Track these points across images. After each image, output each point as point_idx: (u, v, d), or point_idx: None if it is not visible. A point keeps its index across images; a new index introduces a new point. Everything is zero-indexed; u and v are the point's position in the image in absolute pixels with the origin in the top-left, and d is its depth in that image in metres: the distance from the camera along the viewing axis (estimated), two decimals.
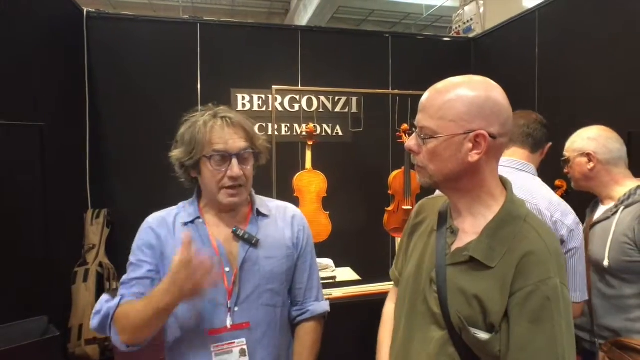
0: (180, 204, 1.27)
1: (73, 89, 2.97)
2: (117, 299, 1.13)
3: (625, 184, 1.62)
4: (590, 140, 1.65)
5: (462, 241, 0.91)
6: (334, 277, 2.43)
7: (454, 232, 0.93)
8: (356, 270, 2.83)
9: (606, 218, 1.60)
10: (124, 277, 1.18)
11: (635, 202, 1.55)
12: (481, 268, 0.86)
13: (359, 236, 3.47)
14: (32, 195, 2.24)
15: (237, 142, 1.14)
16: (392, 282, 1.17)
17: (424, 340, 0.92)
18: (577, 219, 1.46)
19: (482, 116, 0.85)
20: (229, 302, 1.15)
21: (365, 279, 2.49)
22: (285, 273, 1.24)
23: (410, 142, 0.92)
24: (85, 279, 2.82)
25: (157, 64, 3.21)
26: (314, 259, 1.34)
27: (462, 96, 0.85)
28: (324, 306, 1.32)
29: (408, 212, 2.84)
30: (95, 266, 2.89)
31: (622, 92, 2.35)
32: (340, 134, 3.63)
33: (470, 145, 0.85)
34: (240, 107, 3.41)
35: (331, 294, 2.18)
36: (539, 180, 1.53)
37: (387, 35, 3.77)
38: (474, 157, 0.85)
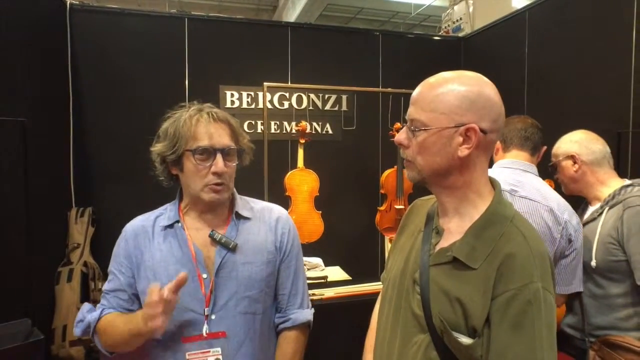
0: (162, 207, 1.24)
1: (56, 84, 2.89)
2: (97, 311, 1.16)
3: (610, 184, 1.65)
4: (573, 143, 1.70)
5: (446, 241, 0.89)
6: (325, 277, 2.41)
7: (439, 232, 0.91)
8: (346, 269, 2.82)
9: (592, 219, 1.63)
10: (105, 285, 1.20)
11: (618, 202, 1.57)
12: (464, 269, 0.83)
13: (350, 235, 3.45)
14: (14, 193, 2.18)
15: (223, 138, 1.12)
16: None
17: (406, 343, 0.89)
18: (578, 219, 1.53)
19: (473, 110, 0.83)
20: (206, 309, 1.12)
21: (356, 279, 2.48)
22: (266, 279, 1.19)
23: (400, 135, 0.91)
24: (69, 279, 2.75)
25: (144, 59, 3.14)
26: (300, 263, 1.28)
27: (455, 90, 0.84)
28: (307, 315, 1.26)
29: (400, 211, 2.83)
30: (79, 266, 2.82)
31: (612, 92, 2.38)
32: (331, 132, 3.61)
33: (460, 139, 0.84)
34: (229, 105, 3.36)
35: (323, 294, 2.17)
36: (542, 181, 1.58)
37: (378, 33, 3.75)
38: (463, 151, 0.84)
